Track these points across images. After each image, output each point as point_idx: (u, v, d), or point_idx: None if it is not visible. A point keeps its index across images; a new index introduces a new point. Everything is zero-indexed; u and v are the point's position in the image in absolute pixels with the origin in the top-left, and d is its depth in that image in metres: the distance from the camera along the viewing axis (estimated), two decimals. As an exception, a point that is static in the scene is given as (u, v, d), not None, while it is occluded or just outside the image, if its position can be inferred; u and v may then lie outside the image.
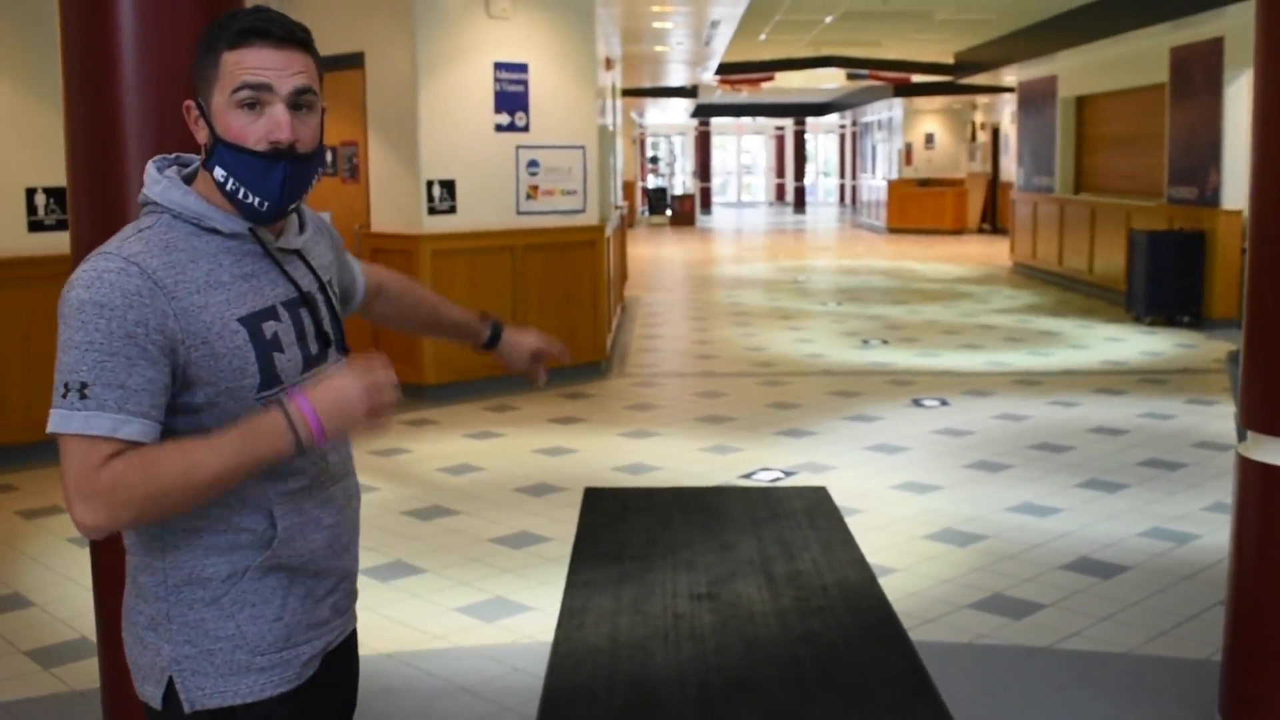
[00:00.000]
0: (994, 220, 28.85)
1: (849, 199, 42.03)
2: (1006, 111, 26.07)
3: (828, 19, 16.14)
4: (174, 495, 1.79)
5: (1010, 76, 20.63)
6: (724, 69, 22.13)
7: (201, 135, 1.94)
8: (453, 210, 9.28)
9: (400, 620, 4.94)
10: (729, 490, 6.81)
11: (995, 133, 29.16)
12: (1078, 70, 17.19)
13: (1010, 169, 23.87)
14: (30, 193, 7.32)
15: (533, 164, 9.66)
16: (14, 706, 4.25)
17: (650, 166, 42.64)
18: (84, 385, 1.77)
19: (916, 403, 9.12)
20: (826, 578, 5.36)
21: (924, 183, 30.05)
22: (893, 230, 29.49)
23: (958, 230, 28.82)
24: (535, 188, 9.71)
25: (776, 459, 7.48)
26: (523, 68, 9.53)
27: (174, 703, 1.95)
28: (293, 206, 1.97)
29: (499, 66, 9.41)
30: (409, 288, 2.56)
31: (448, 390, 9.26)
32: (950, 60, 21.62)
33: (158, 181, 1.95)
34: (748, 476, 7.10)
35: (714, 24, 14.33)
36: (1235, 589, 3.67)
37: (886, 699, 4.24)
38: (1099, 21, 14.52)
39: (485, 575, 5.50)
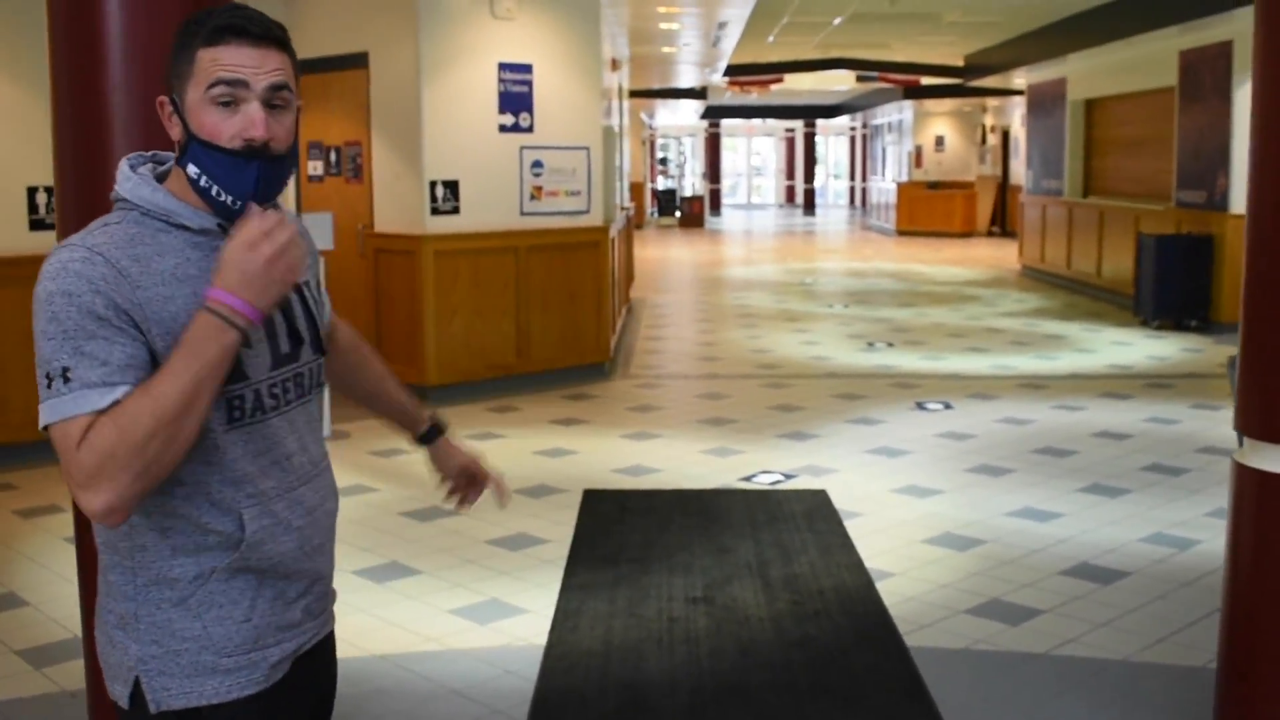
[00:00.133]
0: (1004, 223, 28.80)
1: (859, 201, 41.99)
2: (1017, 114, 26.02)
3: (836, 21, 16.10)
4: (159, 436, 1.75)
5: (1020, 79, 20.58)
6: (733, 70, 22.09)
7: (175, 132, 1.93)
8: (456, 211, 9.26)
9: (394, 622, 4.93)
10: (729, 493, 6.78)
11: (1005, 135, 29.11)
12: (1087, 73, 17.14)
13: (1020, 172, 23.80)
14: (31, 191, 7.32)
15: (537, 165, 9.64)
16: (3, 706, 4.24)
17: (660, 168, 42.61)
18: (65, 370, 1.77)
19: (920, 406, 9.08)
20: (823, 582, 5.33)
21: (933, 185, 30.00)
22: (902, 233, 29.43)
23: (967, 233, 28.76)
24: (539, 188, 9.69)
25: (778, 462, 7.45)
26: (527, 68, 9.51)
27: (140, 702, 1.94)
28: (266, 205, 1.95)
29: (503, 67, 9.39)
30: (358, 345, 2.45)
31: (450, 391, 9.25)
32: (960, 63, 21.56)
33: (129, 178, 1.95)
34: (748, 479, 7.07)
35: (721, 25, 14.31)
36: (1230, 596, 3.63)
37: (880, 704, 4.21)
38: (1108, 24, 14.47)
39: (481, 577, 5.48)
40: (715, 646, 4.64)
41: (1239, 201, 12.48)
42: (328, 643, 2.19)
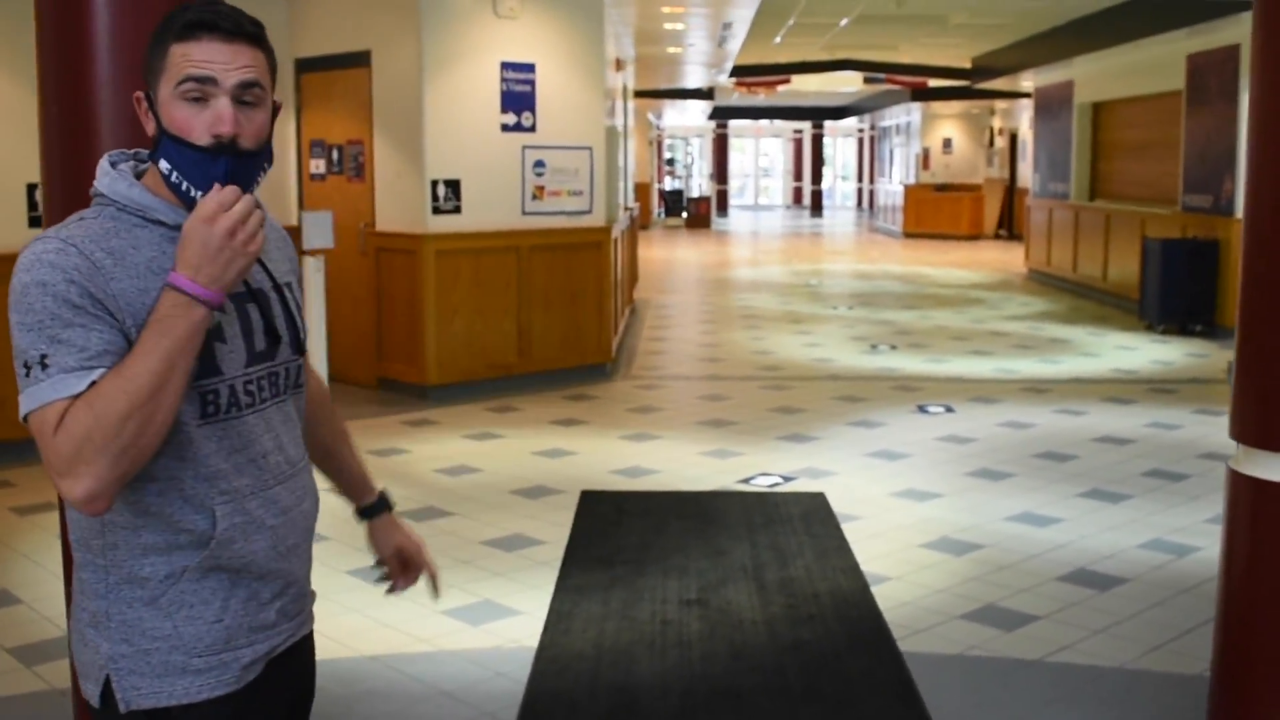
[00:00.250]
0: (1011, 226, 28.73)
1: (866, 203, 41.93)
2: (1025, 117, 25.96)
3: (842, 22, 16.07)
4: (134, 417, 1.74)
5: (1028, 82, 20.53)
6: (739, 71, 22.04)
7: (150, 127, 1.93)
8: (457, 210, 9.24)
9: (386, 623, 4.90)
10: (726, 495, 6.75)
11: (1013, 138, 29.04)
12: (1094, 76, 17.10)
13: (1028, 175, 23.75)
14: (31, 189, 7.31)
15: (539, 164, 9.62)
16: (-8, 704, 4.23)
17: (667, 169, 42.60)
18: (43, 357, 1.77)
19: (921, 409, 9.05)
20: (818, 585, 5.30)
21: (941, 188, 29.94)
22: (909, 235, 29.38)
23: (974, 236, 28.70)
24: (541, 188, 9.67)
25: (777, 464, 7.43)
26: (530, 68, 9.50)
27: (111, 702, 1.94)
28: None
29: (506, 66, 9.38)
30: (325, 400, 2.38)
31: (450, 391, 9.23)
32: (967, 65, 21.51)
33: (107, 174, 1.95)
34: (746, 481, 7.05)
35: (726, 26, 14.27)
36: (1224, 604, 3.60)
37: (872, 709, 4.18)
38: (1115, 27, 14.42)
39: (475, 578, 5.46)
40: (708, 650, 4.62)
41: (1245, 206, 12.41)
42: (305, 645, 2.17)
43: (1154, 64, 14.80)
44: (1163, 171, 15.01)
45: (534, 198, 9.64)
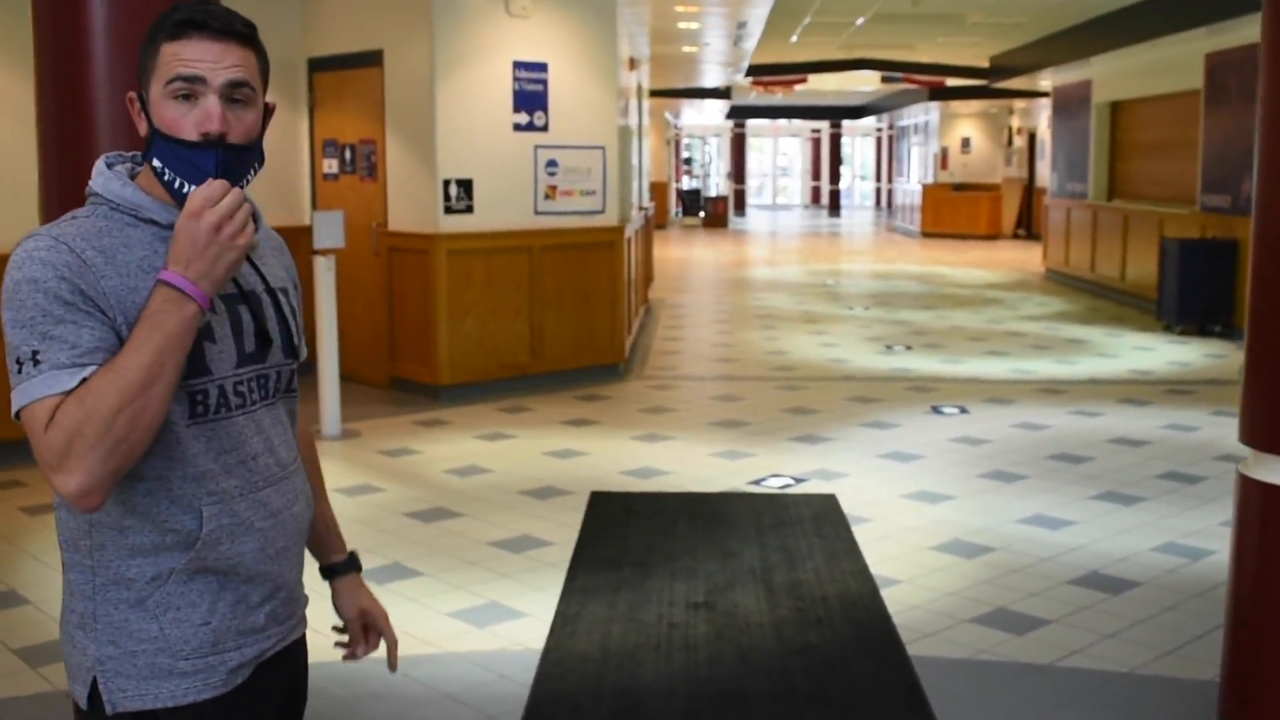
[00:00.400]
0: (1029, 226, 28.62)
1: (884, 203, 41.83)
2: (1043, 116, 25.86)
3: (858, 21, 16.02)
4: (125, 411, 1.74)
5: (1046, 81, 20.44)
6: (756, 71, 22.01)
7: (142, 127, 1.94)
8: (469, 210, 9.23)
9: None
10: (736, 496, 6.72)
11: (1032, 137, 28.93)
12: (1112, 75, 17.01)
13: (1046, 174, 23.66)
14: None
15: (551, 164, 9.60)
16: (-4, 705, 4.22)
17: (685, 168, 42.56)
18: (35, 353, 1.77)
19: (936, 410, 9.00)
20: (827, 588, 5.27)
21: (959, 187, 29.85)
22: (927, 235, 29.30)
23: (992, 236, 28.60)
24: (554, 188, 9.65)
25: (788, 465, 7.39)
26: (542, 67, 9.47)
27: (98, 703, 1.94)
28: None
29: (518, 65, 9.36)
30: (309, 448, 2.34)
31: (462, 390, 9.22)
32: (985, 64, 21.43)
33: (101, 174, 1.96)
34: (757, 483, 7.01)
35: (741, 25, 14.23)
36: (1234, 609, 3.56)
37: (878, 713, 4.15)
38: (1133, 26, 14.34)
39: (482, 579, 5.43)
40: (714, 653, 4.59)
41: (1264, 206, 12.32)
42: (296, 649, 2.16)
43: (1172, 63, 14.71)
44: (1181, 171, 14.92)
45: (546, 197, 9.62)
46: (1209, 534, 6.05)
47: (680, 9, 12.71)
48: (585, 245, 9.89)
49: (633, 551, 5.76)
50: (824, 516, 6.32)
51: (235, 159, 1.91)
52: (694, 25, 14.15)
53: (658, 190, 29.72)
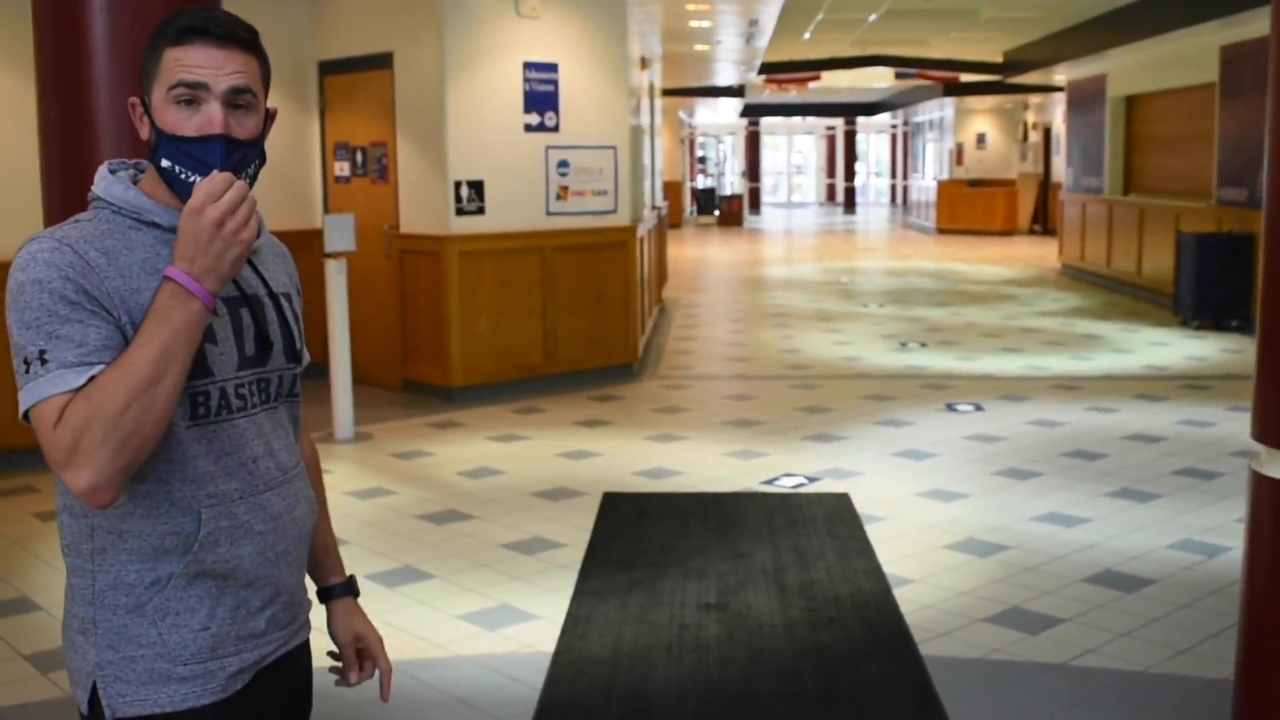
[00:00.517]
0: (1045, 221, 28.51)
1: (900, 200, 41.73)
2: (1059, 111, 25.75)
3: (871, 17, 15.98)
4: (133, 406, 1.74)
5: (1061, 76, 20.35)
6: (769, 68, 21.97)
7: (144, 131, 1.95)
8: (481, 211, 9.22)
9: (403, 628, 4.88)
10: (749, 496, 6.70)
11: (1047, 133, 28.82)
12: (1127, 69, 16.92)
13: (1062, 169, 23.56)
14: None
15: (563, 164, 9.59)
16: (6, 712, 4.22)
17: (699, 166, 42.51)
18: (42, 353, 1.78)
19: (950, 408, 8.96)
20: (840, 588, 5.24)
21: (974, 183, 29.75)
22: (942, 231, 29.21)
23: (1008, 231, 28.50)
24: (565, 188, 9.64)
25: (801, 464, 7.36)
26: (553, 67, 9.46)
27: (99, 709, 1.94)
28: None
29: (528, 66, 9.35)
30: (314, 466, 2.30)
31: (475, 392, 9.22)
32: (999, 59, 21.35)
33: (104, 178, 1.98)
34: (770, 482, 6.99)
35: (753, 23, 14.20)
36: (1247, 608, 3.52)
37: (889, 714, 4.12)
38: (1148, 19, 14.26)
39: (494, 582, 5.42)
40: (725, 654, 4.57)
41: (1281, 199, 12.24)
42: (299, 654, 2.15)
43: (1187, 56, 14.63)
44: (1197, 165, 14.84)
45: (558, 198, 9.60)
46: (1225, 530, 6.01)
47: (691, 7, 12.69)
48: (598, 245, 9.87)
49: (645, 552, 5.74)
50: (837, 516, 6.29)
51: (240, 151, 1.93)
52: (706, 23, 14.13)
53: (672, 189, 29.68)
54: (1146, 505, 6.48)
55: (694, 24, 14.00)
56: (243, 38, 1.93)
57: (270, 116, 2.01)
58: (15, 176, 7.18)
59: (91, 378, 1.76)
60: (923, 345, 11.94)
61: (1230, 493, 6.65)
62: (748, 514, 6.33)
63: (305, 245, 9.44)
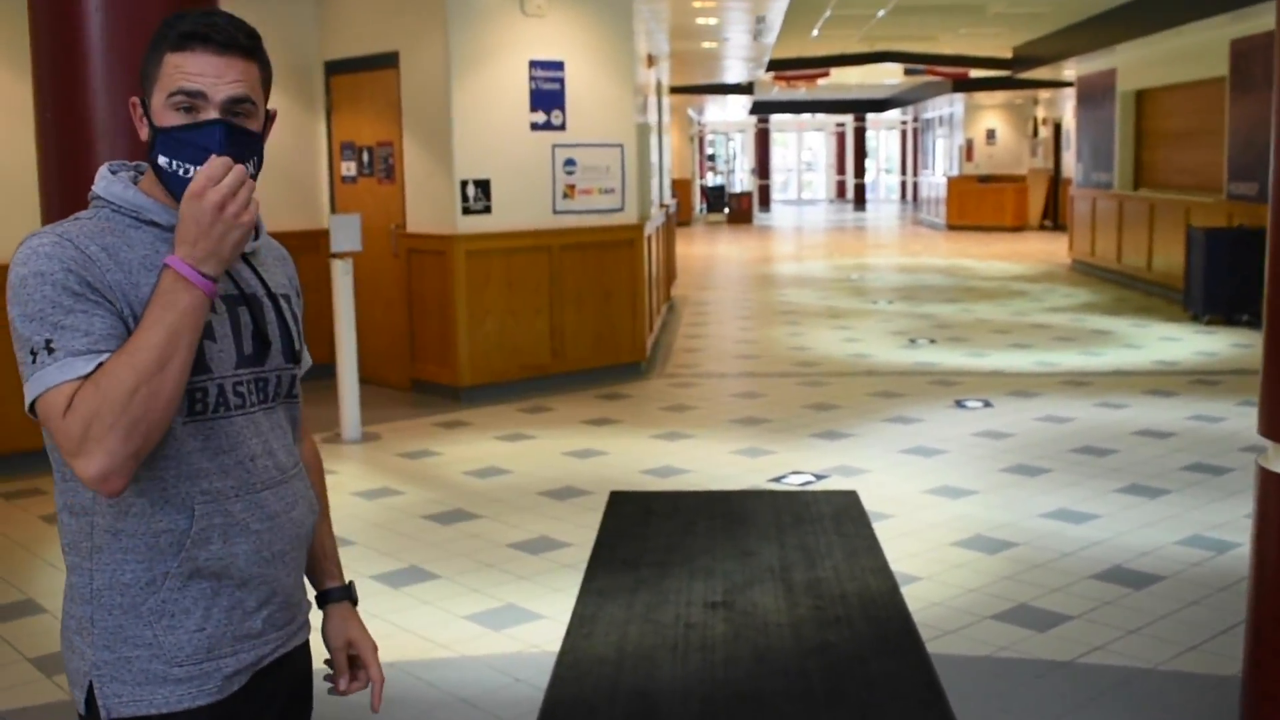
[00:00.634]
0: (1055, 217, 28.44)
1: (910, 196, 41.66)
2: (1068, 106, 25.68)
3: (880, 13, 15.94)
4: (141, 391, 1.75)
5: (1070, 71, 20.29)
6: (777, 65, 21.93)
7: (143, 132, 1.96)
8: (488, 210, 9.21)
9: (408, 628, 4.87)
10: (756, 494, 6.67)
11: (1057, 128, 28.74)
12: (1136, 64, 16.86)
13: (1073, 165, 23.49)
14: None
15: (569, 163, 9.57)
16: (10, 715, 4.22)
17: (709, 164, 42.48)
18: (49, 342, 1.78)
19: (959, 404, 8.93)
20: (846, 586, 5.22)
21: (984, 179, 29.68)
22: (952, 227, 29.14)
23: (1018, 227, 28.43)
24: (572, 187, 9.62)
25: (809, 462, 7.34)
26: (559, 65, 9.44)
27: (95, 709, 1.94)
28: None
29: (534, 64, 9.33)
30: (316, 468, 2.29)
31: (482, 391, 9.21)
32: (1008, 54, 21.28)
33: (104, 178, 1.99)
34: (778, 480, 6.96)
35: (760, 20, 14.17)
36: (1255, 605, 3.49)
37: (896, 713, 4.10)
38: (1157, 13, 14.21)
39: (499, 581, 5.41)
40: (731, 653, 4.55)
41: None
42: (299, 654, 2.15)
43: (1197, 50, 14.57)
44: (1207, 159, 14.77)
45: (565, 196, 9.59)
46: (1234, 526, 5.97)
47: (698, 4, 12.67)
48: (605, 244, 9.85)
49: (651, 551, 5.73)
50: (844, 513, 6.27)
51: (240, 137, 1.93)
52: (713, 21, 14.10)
53: (681, 187, 29.68)
54: (1156, 501, 6.45)
55: (701, 21, 13.98)
56: (243, 45, 1.93)
57: (270, 118, 2.02)
58: (15, 176, 7.18)
59: (99, 365, 1.77)
60: (932, 342, 11.90)
61: (1240, 488, 6.61)
62: (755, 512, 6.31)
63: (312, 245, 9.45)
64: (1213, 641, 4.64)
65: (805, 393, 9.51)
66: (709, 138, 42.91)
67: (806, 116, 42.94)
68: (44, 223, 3.21)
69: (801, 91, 30.55)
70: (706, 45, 16.80)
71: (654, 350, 11.20)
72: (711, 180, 40.61)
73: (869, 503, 6.47)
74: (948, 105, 31.69)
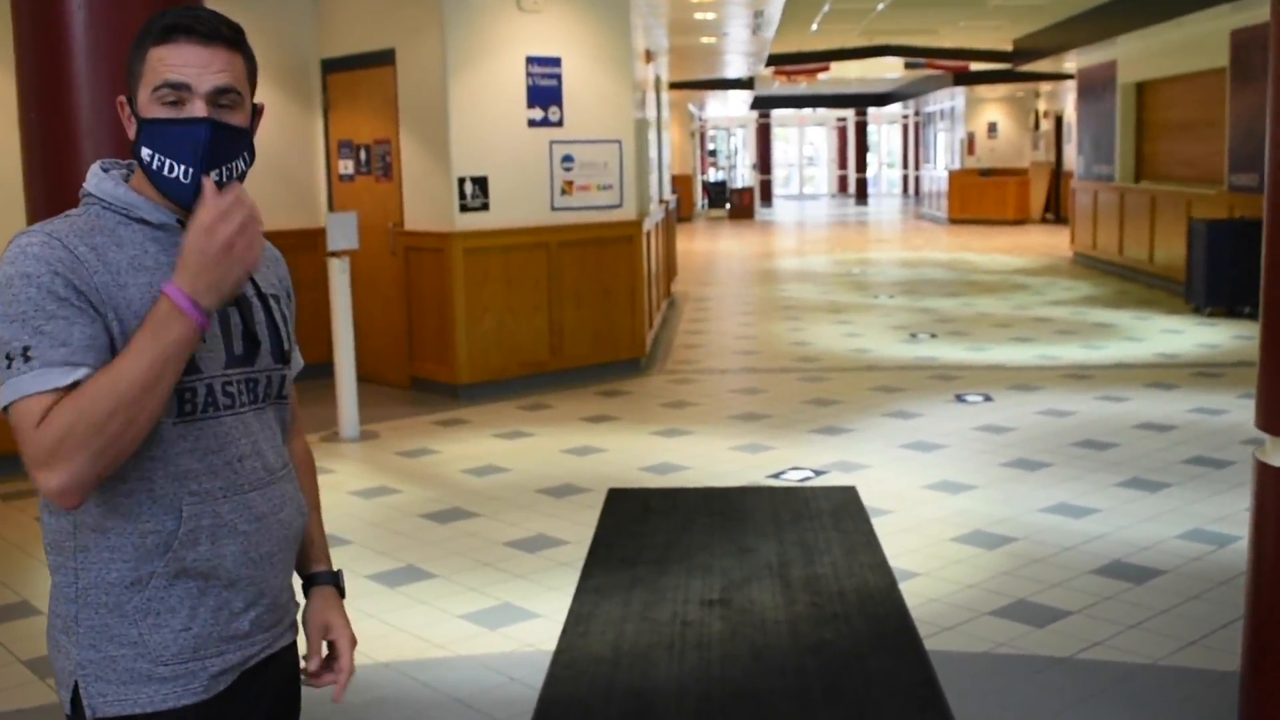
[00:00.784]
0: (1057, 210, 28.39)
1: (912, 190, 41.61)
2: (1070, 99, 25.62)
3: (879, 6, 15.89)
4: (118, 416, 1.75)
5: (1071, 63, 20.23)
6: (778, 60, 21.88)
7: (131, 130, 1.95)
8: (485, 207, 9.18)
9: (402, 628, 4.84)
10: (755, 491, 6.65)
11: (1059, 121, 28.69)
12: (1137, 55, 16.81)
13: (1074, 157, 23.43)
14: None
15: (567, 159, 9.54)
16: (4, 717, 4.20)
17: (710, 160, 42.44)
18: (25, 349, 1.77)
19: (959, 398, 8.90)
20: (845, 583, 5.19)
21: (986, 173, 29.63)
22: (954, 221, 29.11)
23: (1020, 220, 28.39)
24: (570, 183, 9.59)
25: (808, 458, 7.31)
26: (555, 61, 9.41)
27: (80, 708, 1.93)
28: (217, 181, 1.92)
29: (531, 60, 9.30)
30: (306, 463, 2.28)
31: (481, 389, 9.18)
32: (1009, 47, 21.23)
33: (95, 175, 1.99)
34: (777, 476, 6.94)
35: (759, 14, 14.13)
36: (1253, 599, 3.47)
37: (893, 710, 4.07)
38: (1157, 5, 14.15)
39: (496, 580, 5.38)
40: (728, 651, 4.52)
41: (1293, 184, 12.13)
42: (287, 655, 2.14)
43: (1197, 41, 14.52)
44: (1208, 151, 14.73)
45: (563, 193, 9.56)
46: (1235, 520, 5.93)
47: (695, -1, 12.64)
48: (603, 240, 9.82)
49: (649, 549, 5.70)
50: (843, 509, 6.24)
51: (226, 137, 1.92)
52: (711, 15, 14.06)
53: (683, 183, 29.64)
54: (1156, 495, 6.42)
55: (699, 16, 13.94)
56: (227, 36, 1.93)
57: (258, 112, 2.01)
58: (2, 172, 7.14)
59: (76, 381, 1.76)
60: (933, 336, 11.87)
61: (1241, 481, 6.58)
62: (753, 508, 6.29)
63: (310, 244, 9.43)
64: (1213, 636, 4.62)
65: (805, 388, 9.48)
66: (710, 133, 42.86)
67: (808, 111, 42.90)
68: (28, 221, 3.18)
69: (802, 86, 30.50)
70: (705, 40, 16.76)
71: (654, 346, 11.17)
72: (713, 176, 40.56)
73: (868, 498, 6.44)
74: (949, 99, 31.64)
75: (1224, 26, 13.57)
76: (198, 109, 1.89)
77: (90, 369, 1.77)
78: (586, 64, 9.64)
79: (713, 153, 43.40)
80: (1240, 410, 8.27)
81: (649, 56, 12.86)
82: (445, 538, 5.99)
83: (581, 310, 9.71)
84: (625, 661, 4.45)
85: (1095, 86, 18.59)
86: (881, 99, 37.64)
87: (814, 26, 17.67)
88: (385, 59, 9.43)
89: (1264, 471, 3.39)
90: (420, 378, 9.53)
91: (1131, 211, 16.46)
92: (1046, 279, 16.86)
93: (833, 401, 8.91)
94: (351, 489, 6.86)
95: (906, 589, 5.15)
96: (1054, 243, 22.57)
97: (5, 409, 1.79)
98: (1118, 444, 7.47)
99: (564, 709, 4.11)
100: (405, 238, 9.46)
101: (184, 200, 1.92)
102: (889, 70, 27.19)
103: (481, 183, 9.14)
